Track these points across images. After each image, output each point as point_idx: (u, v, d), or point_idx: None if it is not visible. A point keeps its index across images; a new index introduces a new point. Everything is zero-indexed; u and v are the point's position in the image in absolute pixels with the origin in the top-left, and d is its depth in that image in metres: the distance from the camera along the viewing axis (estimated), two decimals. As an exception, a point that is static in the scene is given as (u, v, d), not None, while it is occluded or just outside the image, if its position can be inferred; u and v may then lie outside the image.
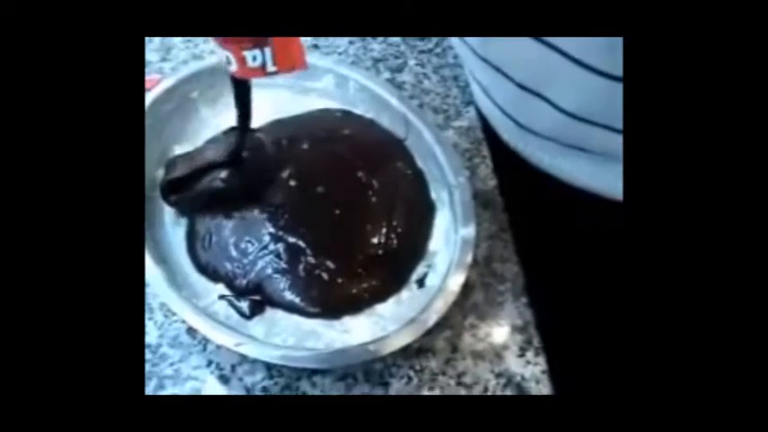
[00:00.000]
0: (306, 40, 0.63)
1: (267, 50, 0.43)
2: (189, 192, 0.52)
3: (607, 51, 0.45)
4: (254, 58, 0.43)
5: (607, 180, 0.56)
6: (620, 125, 0.50)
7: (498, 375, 0.50)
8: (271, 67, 0.43)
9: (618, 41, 0.38)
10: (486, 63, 0.56)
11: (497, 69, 0.55)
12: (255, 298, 0.50)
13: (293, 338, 0.48)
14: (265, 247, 0.51)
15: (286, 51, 0.43)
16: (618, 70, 0.46)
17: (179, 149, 0.57)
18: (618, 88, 0.46)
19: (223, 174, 0.52)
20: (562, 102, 0.52)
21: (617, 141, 0.49)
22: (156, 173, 0.54)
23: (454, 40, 0.61)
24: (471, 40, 0.57)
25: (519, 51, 0.52)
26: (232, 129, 0.53)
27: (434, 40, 0.70)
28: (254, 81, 0.47)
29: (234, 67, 0.44)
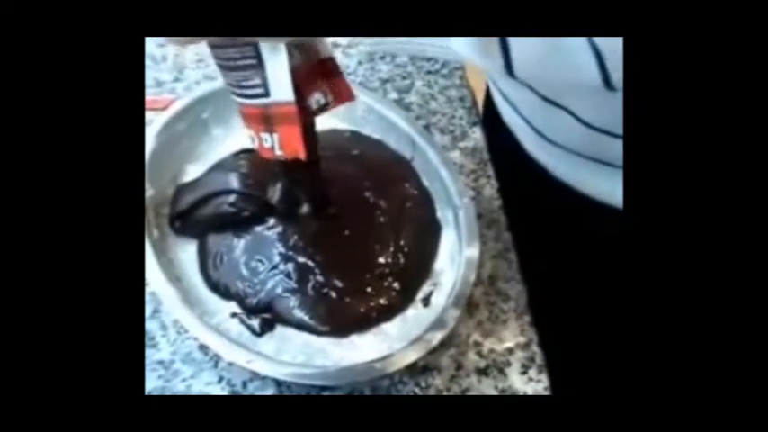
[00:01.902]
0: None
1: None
2: (195, 218, 0.54)
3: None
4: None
5: None
6: None
7: (502, 392, 0.51)
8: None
9: None
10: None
11: (522, 82, 0.55)
12: (266, 316, 0.51)
13: (303, 356, 0.50)
14: (275, 267, 0.52)
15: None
16: None
17: (191, 168, 0.58)
18: None
19: (231, 198, 0.53)
20: (584, 114, 0.52)
21: None
22: (168, 191, 0.56)
23: None
24: None
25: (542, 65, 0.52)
26: (243, 151, 0.54)
27: (441, 61, 0.72)
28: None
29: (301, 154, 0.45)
